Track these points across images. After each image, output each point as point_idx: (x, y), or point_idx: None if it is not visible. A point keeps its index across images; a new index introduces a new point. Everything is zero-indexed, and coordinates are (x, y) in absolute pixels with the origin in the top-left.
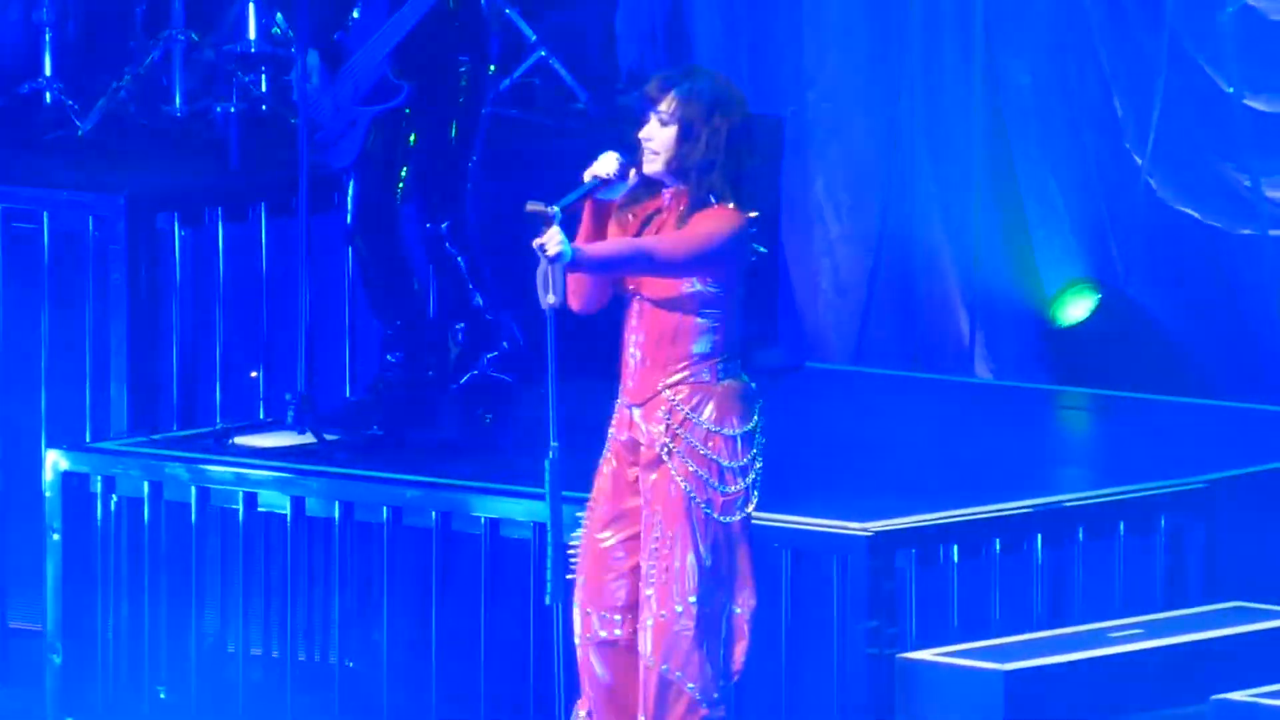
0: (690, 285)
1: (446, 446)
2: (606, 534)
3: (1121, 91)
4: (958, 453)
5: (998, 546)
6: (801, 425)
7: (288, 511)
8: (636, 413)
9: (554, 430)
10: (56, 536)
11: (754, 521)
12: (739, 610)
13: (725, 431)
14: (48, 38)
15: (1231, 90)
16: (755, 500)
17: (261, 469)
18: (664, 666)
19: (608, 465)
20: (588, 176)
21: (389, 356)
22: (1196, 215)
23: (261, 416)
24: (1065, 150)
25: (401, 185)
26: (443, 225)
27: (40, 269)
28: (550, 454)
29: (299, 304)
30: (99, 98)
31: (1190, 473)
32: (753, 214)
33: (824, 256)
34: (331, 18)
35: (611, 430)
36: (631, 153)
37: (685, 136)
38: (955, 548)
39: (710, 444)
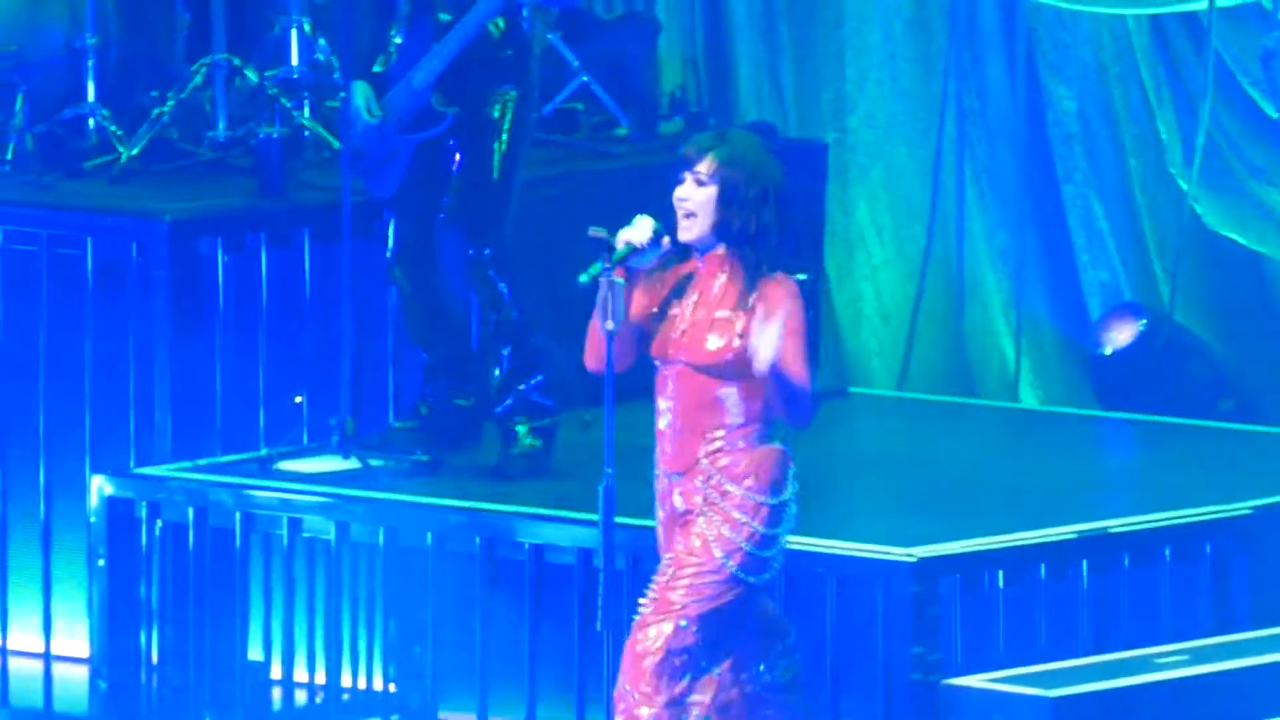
0: (733, 352)
1: (490, 471)
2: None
3: (1166, 116)
4: (1003, 479)
5: (1043, 572)
6: (845, 451)
7: (332, 537)
8: (676, 482)
9: (609, 456)
10: (102, 562)
11: (797, 547)
12: (761, 667)
13: (761, 500)
14: (90, 64)
15: (1277, 115)
16: (778, 564)
17: (306, 494)
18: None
19: (658, 534)
20: (620, 243)
21: (432, 383)
22: (1241, 240)
23: (306, 442)
24: (1110, 175)
25: (443, 213)
26: (485, 251)
27: (84, 294)
28: (604, 480)
29: (342, 329)
30: (142, 123)
31: (1236, 499)
32: (801, 276)
33: (867, 282)
34: (373, 45)
35: (656, 502)
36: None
37: (728, 200)
38: (1000, 574)
39: (744, 509)
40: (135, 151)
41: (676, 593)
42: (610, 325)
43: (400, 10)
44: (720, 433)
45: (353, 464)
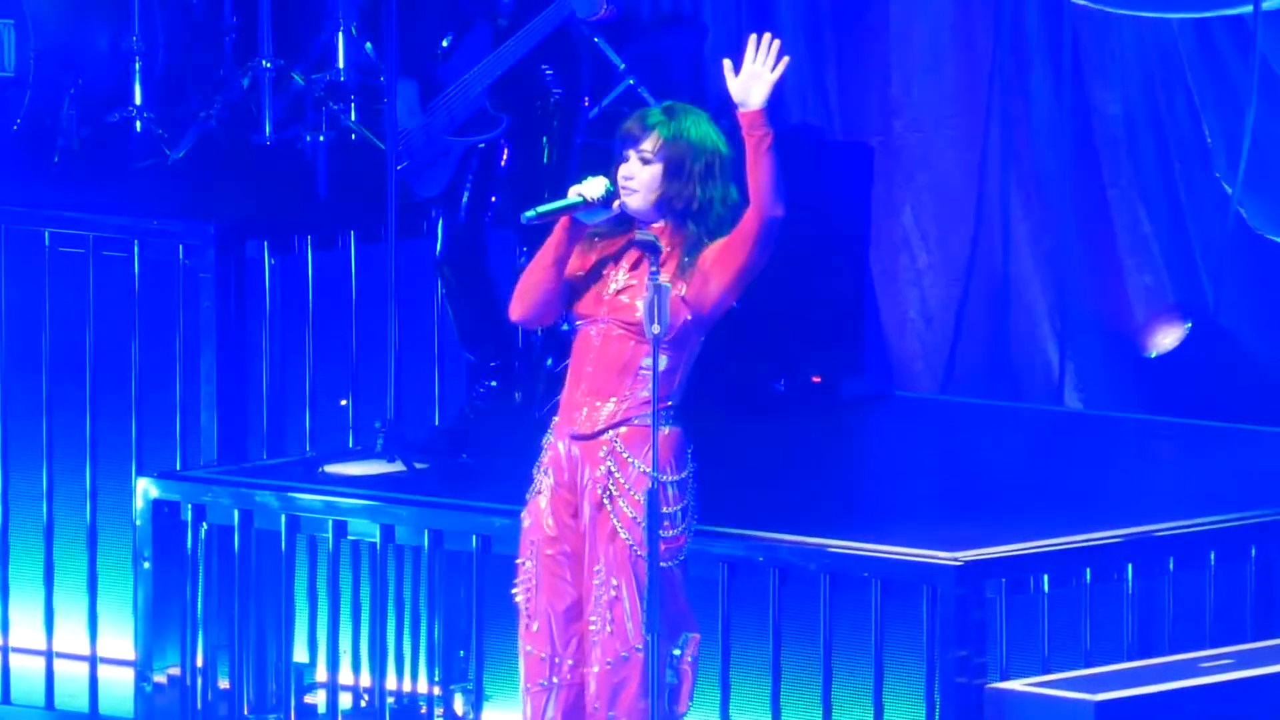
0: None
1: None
2: (553, 565)
3: (1211, 120)
4: (1047, 482)
5: (1088, 576)
6: (890, 454)
7: (377, 540)
8: (575, 449)
9: (655, 461)
10: (147, 565)
11: (840, 550)
12: (677, 652)
13: (664, 478)
14: (137, 66)
15: None
16: (689, 542)
17: (351, 497)
18: (610, 713)
19: (542, 499)
20: (573, 194)
21: (478, 385)
22: None
23: (351, 444)
24: (1155, 179)
25: (492, 212)
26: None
27: (130, 297)
28: (650, 484)
29: (388, 332)
30: (188, 126)
31: None
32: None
33: (912, 285)
34: (421, 47)
35: (544, 466)
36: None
37: (672, 175)
38: (1045, 577)
39: (642, 489)
40: (182, 154)
41: (629, 623)
42: (656, 329)
43: (457, 14)
44: (630, 404)
45: (398, 466)
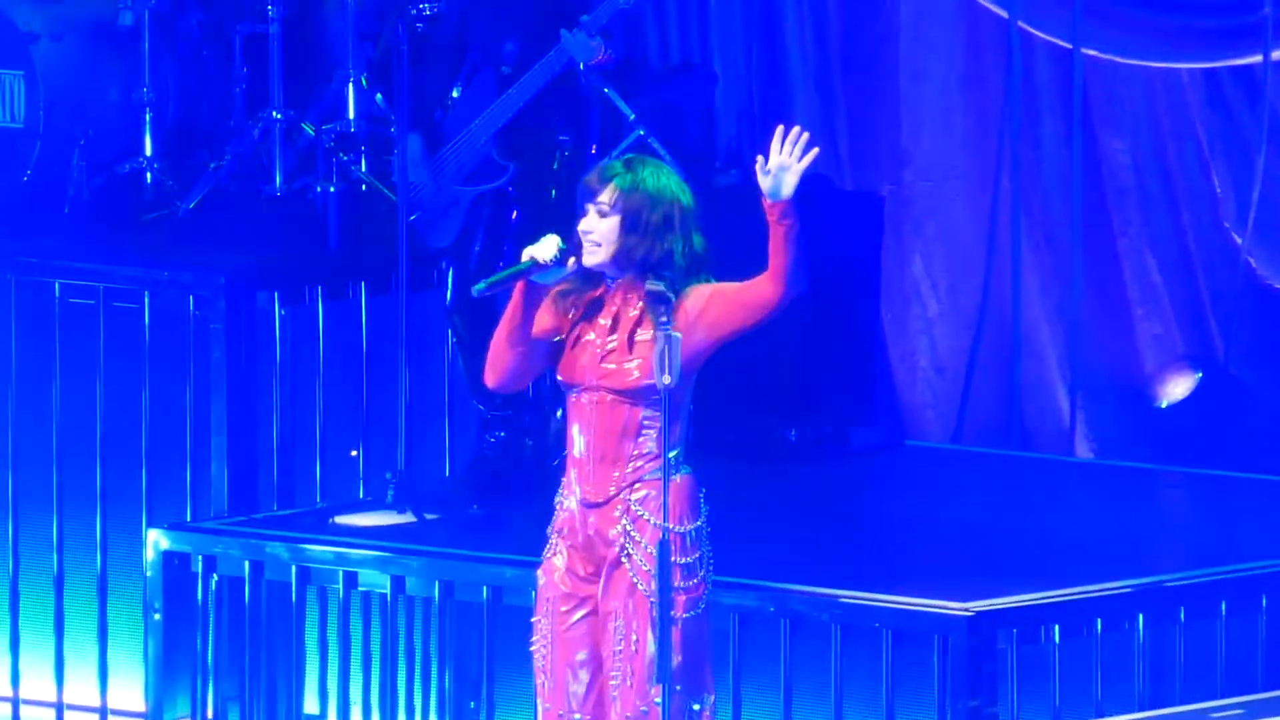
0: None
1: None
2: (569, 621)
3: (1221, 170)
4: (1059, 532)
5: (1099, 626)
6: (901, 504)
7: (388, 590)
8: (591, 516)
9: (666, 511)
10: (158, 616)
11: (852, 601)
12: (696, 707)
13: (678, 529)
14: (148, 117)
15: None
16: (709, 591)
17: (361, 548)
18: None
19: (558, 559)
20: (525, 257)
21: (488, 435)
22: None
23: (361, 495)
24: (1165, 229)
25: (503, 261)
26: None
27: (141, 348)
28: (662, 534)
29: (398, 382)
30: (199, 177)
31: None
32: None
33: (922, 335)
34: (432, 98)
35: (557, 527)
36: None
37: (629, 228)
38: (1056, 627)
39: (660, 541)
40: (192, 205)
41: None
42: (667, 379)
43: (463, 64)
44: (638, 463)
45: (408, 517)
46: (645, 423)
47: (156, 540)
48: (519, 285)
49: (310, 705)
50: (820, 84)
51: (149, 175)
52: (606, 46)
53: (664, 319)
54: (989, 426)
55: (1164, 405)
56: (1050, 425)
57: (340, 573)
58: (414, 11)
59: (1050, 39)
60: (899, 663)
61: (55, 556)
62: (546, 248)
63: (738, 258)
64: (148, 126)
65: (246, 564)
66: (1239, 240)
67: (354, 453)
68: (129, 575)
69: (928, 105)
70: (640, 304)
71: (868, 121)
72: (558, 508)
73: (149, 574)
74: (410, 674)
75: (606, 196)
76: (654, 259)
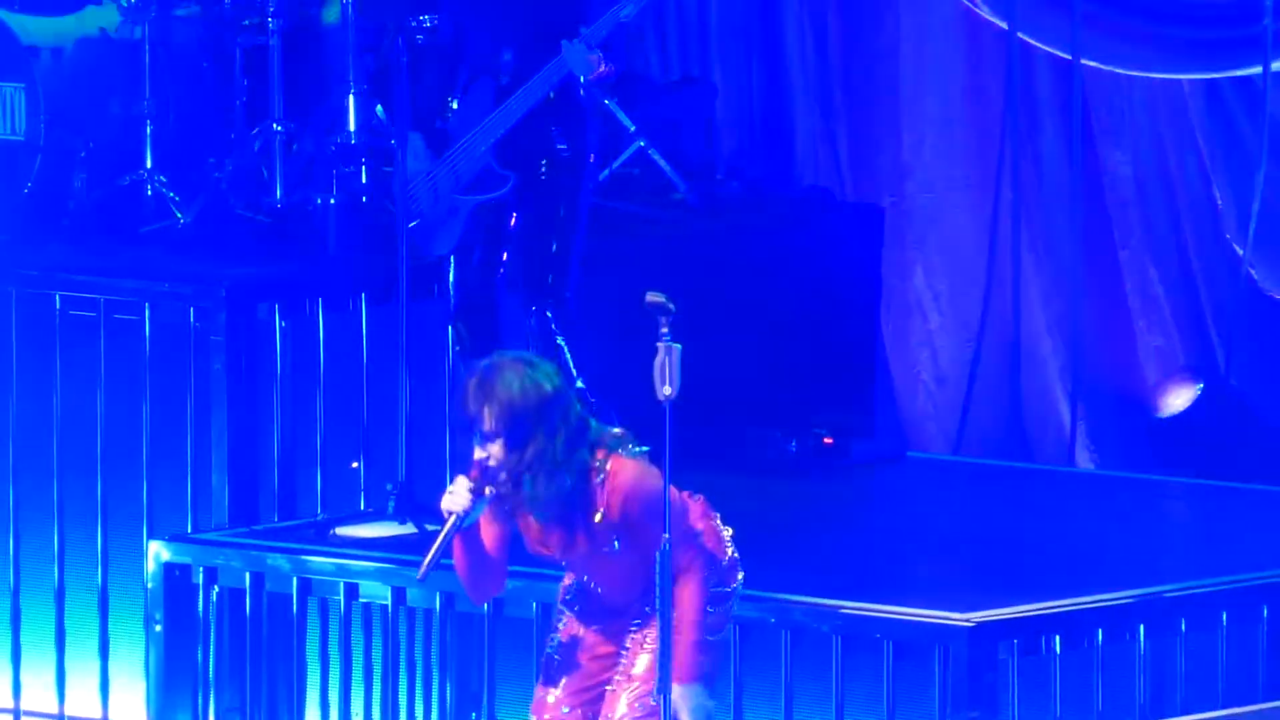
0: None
1: None
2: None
3: (1222, 182)
4: (1060, 543)
5: (1100, 637)
6: (902, 515)
7: (389, 602)
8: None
9: (668, 522)
10: (159, 627)
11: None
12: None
13: (718, 570)
14: (148, 129)
15: None
16: (740, 576)
17: (363, 559)
18: None
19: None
20: (445, 514)
21: None
22: None
23: (362, 507)
24: (1166, 241)
25: (503, 270)
26: (546, 312)
27: (141, 360)
28: (663, 545)
29: (399, 394)
30: (199, 189)
31: None
32: (642, 449)
33: (923, 346)
34: (432, 107)
35: (560, 638)
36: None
37: (513, 444)
38: (1057, 638)
39: (661, 551)
40: (191, 217)
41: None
42: (667, 390)
43: (460, 74)
44: (635, 599)
45: (409, 529)
46: (634, 563)
47: (158, 552)
48: (456, 540)
49: (311, 717)
50: (821, 96)
51: (150, 188)
52: (606, 60)
53: (663, 330)
54: (990, 437)
55: (1165, 416)
56: (1051, 436)
57: (341, 584)
58: (413, 23)
59: (1051, 50)
60: (900, 674)
61: (56, 568)
62: (460, 495)
63: (737, 268)
64: (148, 139)
65: (247, 575)
66: (1240, 252)
67: (355, 464)
68: (130, 587)
69: (928, 117)
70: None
71: (868, 133)
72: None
73: (150, 585)
74: (411, 685)
75: (488, 423)
76: (556, 458)
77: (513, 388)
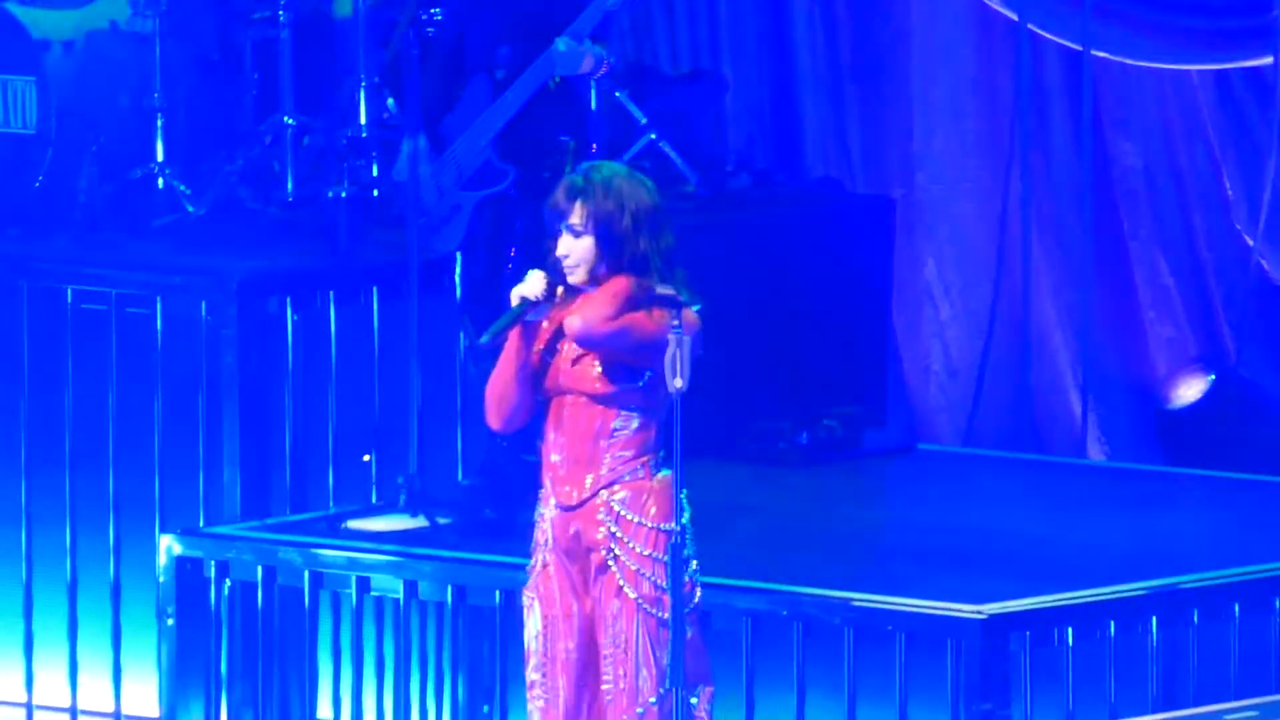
0: (624, 381)
1: None
2: (564, 637)
3: (1232, 172)
4: (1071, 535)
5: (1112, 629)
6: (913, 507)
7: (400, 595)
8: (572, 523)
9: (678, 514)
10: (171, 621)
11: (864, 604)
12: (694, 700)
13: (664, 527)
14: (159, 123)
15: None
16: (699, 591)
17: (374, 553)
18: None
19: (546, 574)
20: (515, 299)
21: (500, 439)
22: None
23: (374, 500)
24: (1176, 231)
25: (510, 266)
26: None
27: (153, 353)
28: (673, 538)
29: (411, 387)
30: (210, 183)
31: None
32: (695, 308)
33: (935, 338)
34: (439, 103)
35: (545, 537)
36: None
37: (605, 242)
38: (1069, 630)
39: (652, 543)
40: (202, 211)
41: (643, 677)
42: (679, 383)
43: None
44: (615, 464)
45: (420, 522)
46: (617, 424)
47: (169, 545)
48: (513, 330)
49: (324, 710)
50: (831, 88)
51: (160, 181)
52: (606, 53)
53: (675, 322)
54: (1001, 429)
55: (1176, 407)
56: (1062, 428)
57: (353, 577)
58: (424, 16)
59: (1061, 41)
60: (912, 666)
61: (69, 562)
62: (535, 284)
63: (747, 261)
64: (159, 132)
65: (259, 569)
66: (1250, 242)
67: (366, 457)
68: (142, 581)
69: (939, 108)
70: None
71: (879, 125)
72: (537, 520)
73: (162, 579)
74: (423, 679)
75: (577, 218)
76: (630, 263)
77: (611, 188)
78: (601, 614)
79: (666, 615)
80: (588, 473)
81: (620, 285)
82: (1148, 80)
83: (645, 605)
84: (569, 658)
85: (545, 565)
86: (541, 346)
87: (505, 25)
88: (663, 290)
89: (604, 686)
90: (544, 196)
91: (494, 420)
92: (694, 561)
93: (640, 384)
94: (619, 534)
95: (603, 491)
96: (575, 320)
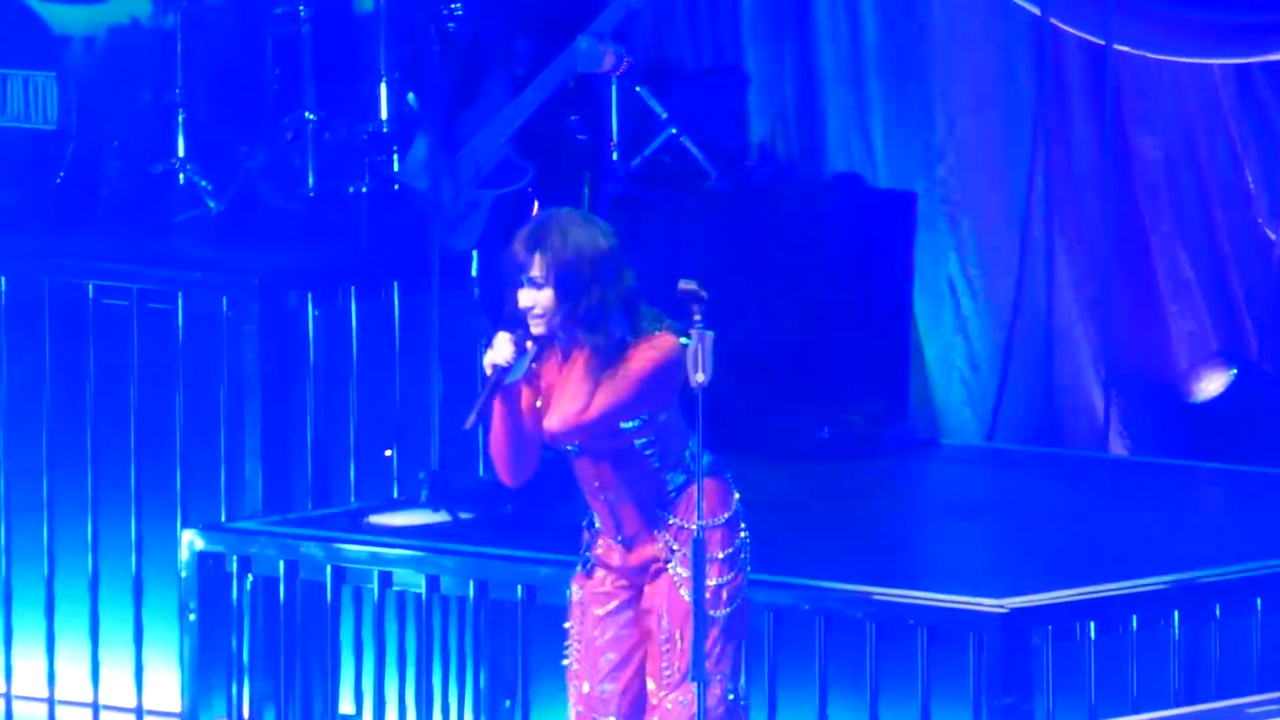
0: (630, 422)
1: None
2: (606, 622)
3: (1253, 165)
4: (1093, 529)
5: (1134, 623)
6: (935, 502)
7: (422, 590)
8: (631, 554)
9: (700, 509)
10: (193, 616)
11: (886, 598)
12: (732, 697)
13: (710, 524)
14: (180, 118)
15: None
16: (745, 588)
17: (396, 548)
18: None
19: (599, 602)
20: (487, 367)
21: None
22: None
23: (395, 495)
24: (1197, 225)
25: None
26: None
27: (174, 349)
28: (696, 533)
29: (432, 381)
30: (231, 178)
31: None
32: (682, 340)
33: (956, 332)
34: (457, 98)
35: (597, 557)
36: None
37: (565, 295)
38: (1091, 624)
39: (695, 539)
40: (223, 206)
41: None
42: (700, 378)
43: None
44: (662, 487)
45: (442, 517)
46: (650, 456)
47: (191, 541)
48: (496, 401)
49: (346, 705)
50: (853, 82)
51: (182, 176)
52: (621, 50)
53: (696, 317)
54: (1023, 424)
55: (1198, 401)
56: (1084, 422)
57: (375, 572)
58: (445, 12)
59: (1082, 35)
60: (933, 660)
61: (90, 557)
62: (503, 349)
63: (769, 255)
64: (180, 128)
65: (281, 564)
66: (1272, 236)
67: (388, 452)
68: (164, 576)
69: (961, 103)
70: (586, 350)
71: (901, 119)
72: (586, 530)
73: (184, 574)
74: (445, 673)
75: (538, 269)
76: (600, 315)
77: (569, 236)
78: (652, 607)
79: (721, 611)
80: (638, 510)
81: (580, 368)
82: (1169, 74)
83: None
84: (602, 645)
85: (589, 564)
86: (543, 394)
87: (525, 21)
88: (685, 286)
89: (663, 671)
90: (563, 194)
91: (504, 478)
92: (743, 558)
93: (638, 423)
94: (674, 544)
95: (654, 520)
96: (554, 422)
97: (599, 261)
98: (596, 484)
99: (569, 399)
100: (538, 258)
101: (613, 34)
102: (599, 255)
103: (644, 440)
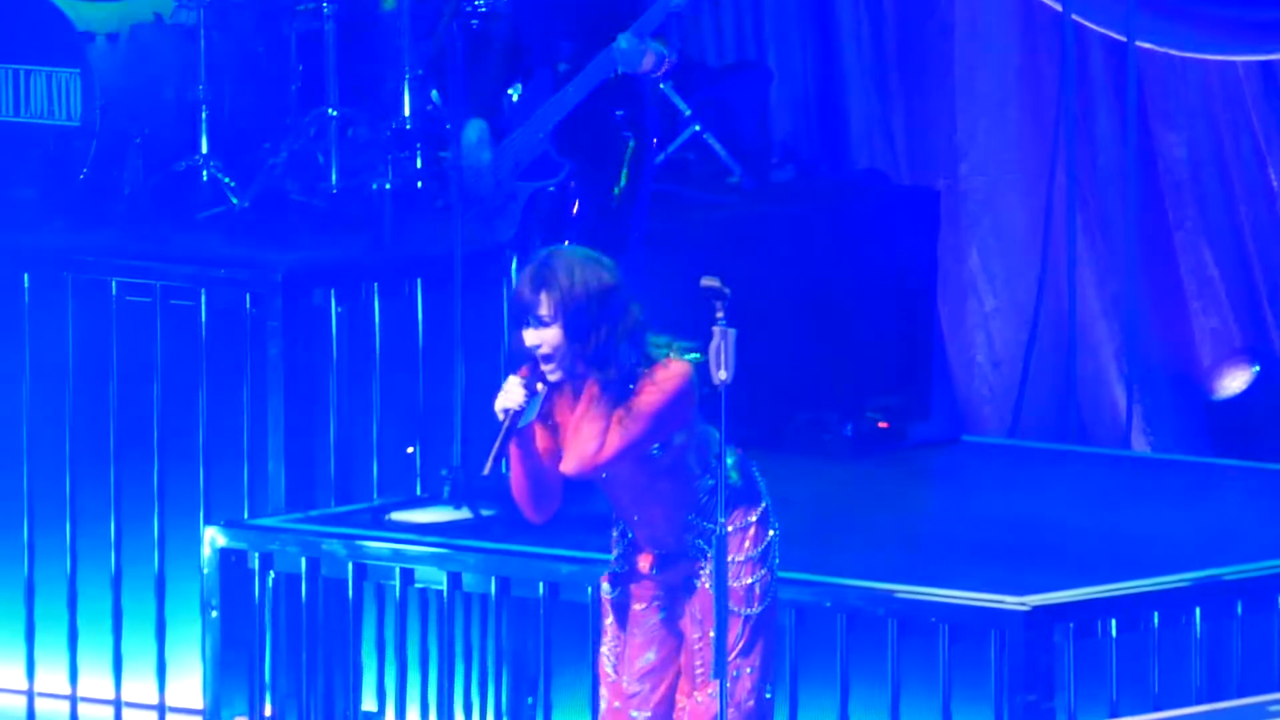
0: (650, 450)
1: (602, 520)
2: (641, 618)
3: (1277, 163)
4: (1115, 526)
5: (1156, 620)
6: (958, 499)
7: (444, 587)
8: (666, 559)
9: (722, 506)
10: (215, 613)
11: (908, 596)
12: (769, 695)
13: (734, 525)
14: (203, 115)
15: None
16: (773, 589)
17: (418, 545)
18: None
19: (639, 607)
20: (499, 412)
21: None
22: None
23: (418, 492)
24: (1221, 222)
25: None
26: None
27: (198, 346)
28: (717, 529)
29: (455, 379)
30: (255, 175)
31: None
32: (691, 357)
33: (979, 329)
34: (489, 94)
35: (633, 566)
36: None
37: (573, 333)
38: (1113, 621)
39: (737, 546)
40: (246, 203)
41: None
42: (723, 374)
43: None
44: (691, 499)
45: (464, 514)
46: (675, 474)
47: (214, 538)
48: (512, 445)
49: (368, 703)
50: (876, 79)
51: (205, 173)
52: (669, 51)
53: (719, 314)
54: (1046, 420)
55: (1221, 398)
56: (1107, 419)
57: (397, 569)
58: (469, 8)
59: (1105, 32)
60: (955, 657)
61: (113, 554)
62: (514, 393)
63: (792, 252)
64: (204, 124)
65: (303, 561)
66: None
67: (410, 449)
68: (186, 573)
69: (983, 99)
70: (596, 387)
71: (923, 116)
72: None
73: (206, 571)
74: (467, 670)
75: (545, 308)
76: (604, 349)
77: (574, 275)
78: (690, 611)
79: (755, 609)
80: (665, 525)
81: (591, 406)
82: (1193, 71)
83: (733, 606)
84: (637, 643)
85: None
86: (560, 430)
87: (568, 20)
88: (708, 283)
89: (696, 668)
90: (601, 191)
91: (529, 518)
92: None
93: (657, 449)
94: (707, 548)
95: (686, 534)
96: (570, 465)
97: (605, 298)
98: (626, 500)
99: (584, 440)
100: (544, 296)
101: (654, 35)
102: (605, 291)
103: (668, 461)
